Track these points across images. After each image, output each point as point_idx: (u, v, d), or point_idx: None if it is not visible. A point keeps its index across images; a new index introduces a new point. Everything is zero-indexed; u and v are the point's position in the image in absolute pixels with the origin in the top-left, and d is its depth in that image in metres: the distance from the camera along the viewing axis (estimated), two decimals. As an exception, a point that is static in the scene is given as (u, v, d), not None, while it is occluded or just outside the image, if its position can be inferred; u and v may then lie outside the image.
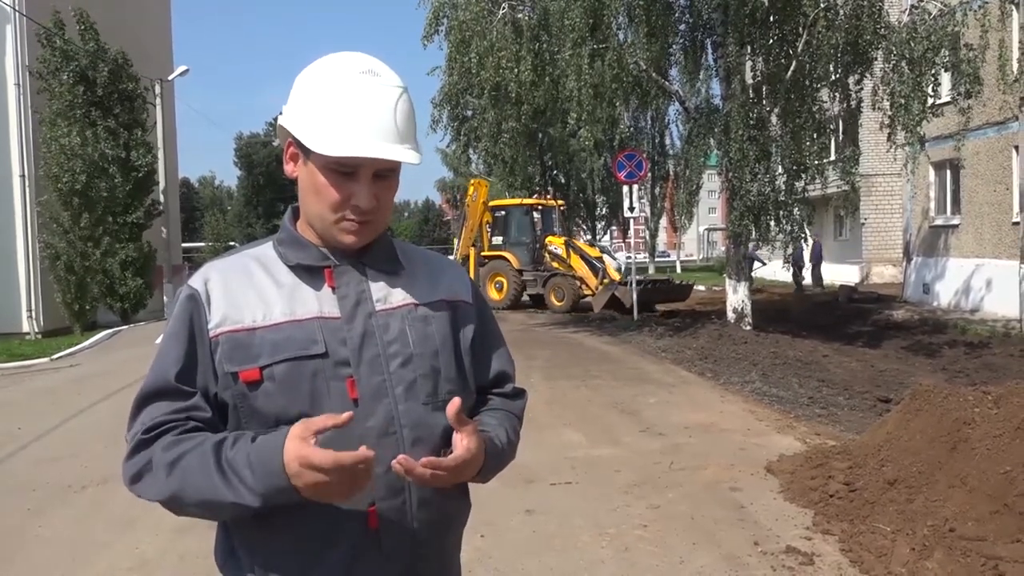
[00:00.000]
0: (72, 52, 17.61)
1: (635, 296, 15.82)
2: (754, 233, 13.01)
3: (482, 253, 20.02)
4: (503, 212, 20.34)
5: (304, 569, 1.24)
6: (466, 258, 20.44)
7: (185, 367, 1.25)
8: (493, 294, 19.42)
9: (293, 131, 1.28)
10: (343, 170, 1.25)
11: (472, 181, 20.82)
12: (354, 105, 1.24)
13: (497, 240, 20.11)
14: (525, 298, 19.61)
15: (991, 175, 16.26)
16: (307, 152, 1.27)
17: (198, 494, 1.18)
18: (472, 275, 19.89)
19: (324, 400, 1.24)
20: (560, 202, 21.85)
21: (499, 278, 19.44)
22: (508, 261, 19.38)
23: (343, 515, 1.24)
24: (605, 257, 20.00)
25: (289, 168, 1.33)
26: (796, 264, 23.68)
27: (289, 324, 1.26)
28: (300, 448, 1.11)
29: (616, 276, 18.55)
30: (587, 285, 17.93)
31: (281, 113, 1.33)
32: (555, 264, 18.98)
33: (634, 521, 4.57)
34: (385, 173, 1.28)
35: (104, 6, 19.25)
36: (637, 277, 18.09)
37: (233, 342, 1.25)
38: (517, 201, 20.93)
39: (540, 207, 20.44)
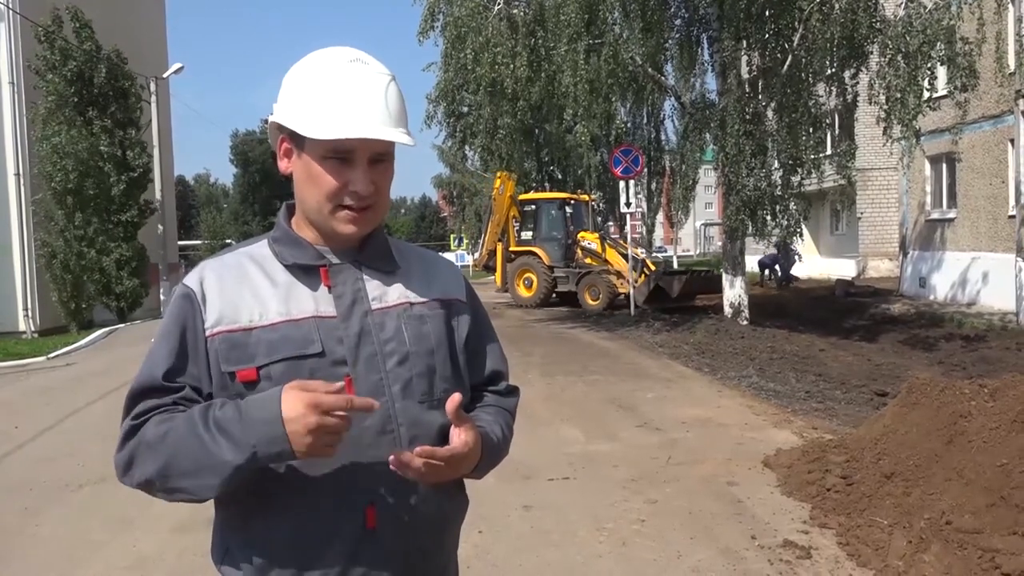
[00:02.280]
0: (69, 51, 17.56)
1: (632, 291, 15.82)
2: (750, 228, 13.02)
3: (510, 248, 19.29)
4: (533, 206, 19.53)
5: (301, 567, 1.24)
6: (492, 253, 19.99)
7: (175, 366, 1.25)
8: (522, 291, 18.74)
9: (286, 123, 1.27)
10: (339, 156, 1.25)
11: (499, 174, 19.80)
12: (345, 91, 1.24)
13: (526, 235, 19.31)
14: (553, 296, 18.89)
15: (987, 169, 16.29)
16: (301, 144, 1.27)
17: (184, 460, 1.15)
18: (499, 270, 19.58)
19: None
20: (592, 197, 21.22)
21: (528, 275, 18.70)
22: (538, 257, 18.61)
23: (341, 513, 1.24)
24: (640, 251, 19.58)
25: (283, 165, 1.33)
26: (769, 263, 23.81)
27: (285, 324, 1.26)
28: (306, 395, 1.12)
29: (654, 268, 17.98)
30: (625, 279, 16.97)
31: (272, 113, 1.33)
32: (588, 260, 18.22)
33: (632, 516, 4.58)
34: (380, 158, 1.28)
35: (99, 4, 19.17)
36: (681, 268, 17.68)
37: (229, 342, 1.25)
38: (548, 195, 20.29)
39: (572, 201, 19.65)
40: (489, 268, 20.54)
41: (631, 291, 15.83)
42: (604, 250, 18.02)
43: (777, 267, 24.08)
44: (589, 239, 18.46)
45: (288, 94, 1.29)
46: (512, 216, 19.56)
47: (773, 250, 22.13)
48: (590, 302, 17.45)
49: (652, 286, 16.48)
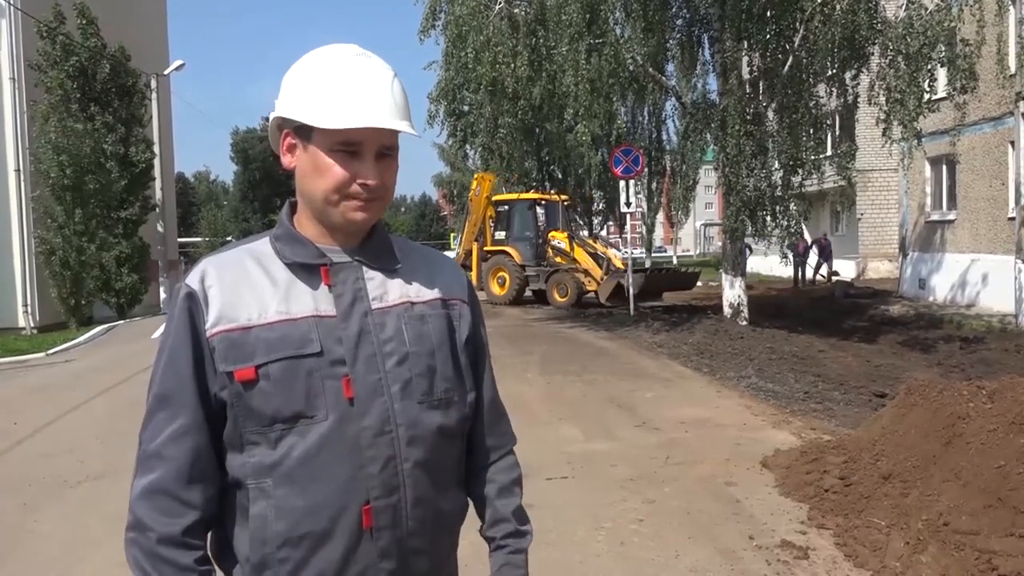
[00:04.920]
0: (72, 47, 17.56)
1: (631, 292, 15.83)
2: (750, 228, 13.02)
3: (485, 248, 19.96)
4: (506, 207, 20.26)
5: (297, 567, 1.24)
6: (469, 252, 20.41)
7: (197, 369, 1.25)
8: (495, 289, 19.32)
9: (295, 116, 1.27)
10: (348, 149, 1.25)
11: (476, 175, 20.69)
12: (354, 83, 1.25)
13: (500, 235, 20.06)
14: (528, 294, 19.52)
15: (987, 170, 16.29)
16: (308, 137, 1.27)
17: None
18: (475, 270, 19.88)
19: (319, 399, 1.24)
20: (564, 197, 21.82)
21: (501, 273, 19.41)
22: (510, 256, 19.31)
23: (337, 514, 1.24)
24: (609, 251, 20.08)
25: (287, 160, 1.32)
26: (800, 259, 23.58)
27: (284, 323, 1.26)
28: None
29: (621, 265, 18.46)
30: (592, 278, 17.88)
31: (272, 110, 1.32)
32: (558, 259, 18.92)
33: (630, 515, 4.58)
34: (386, 152, 1.28)
35: (101, 1, 19.16)
36: (643, 266, 18.31)
37: (228, 341, 1.24)
38: (520, 196, 20.86)
39: (543, 202, 20.35)
40: (465, 267, 20.89)
41: (630, 292, 15.89)
42: (572, 249, 18.61)
43: (812, 263, 23.74)
44: (559, 238, 19.09)
45: (293, 89, 1.29)
46: (489, 216, 20.14)
47: (806, 239, 21.67)
48: (558, 299, 18.26)
49: (615, 284, 17.03)
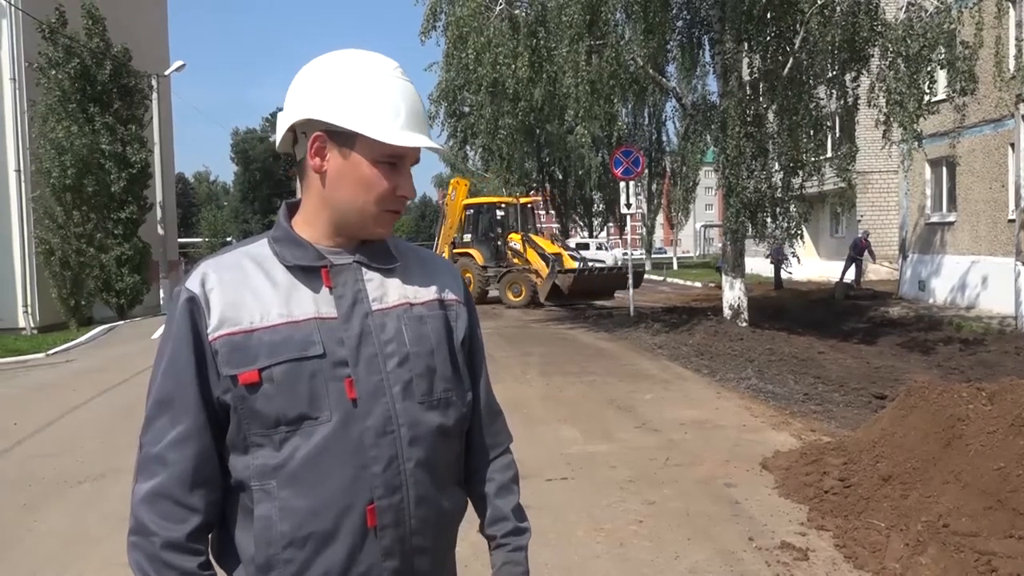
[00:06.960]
0: (75, 48, 17.56)
1: (631, 292, 15.84)
2: (750, 230, 13.02)
3: (455, 251, 20.78)
4: (472, 210, 21.19)
5: (302, 567, 1.25)
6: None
7: (199, 373, 1.25)
8: None
9: (345, 123, 1.25)
10: (392, 161, 1.29)
11: (452, 181, 21.76)
12: (404, 100, 1.30)
13: (467, 237, 21.01)
14: (496, 293, 20.25)
15: (987, 172, 16.30)
16: (350, 144, 1.27)
17: None
18: None
19: (323, 400, 1.24)
20: (527, 200, 22.55)
21: (467, 274, 20.19)
22: (473, 258, 20.21)
23: (341, 513, 1.24)
24: (565, 253, 20.67)
25: (316, 163, 1.29)
26: (778, 261, 23.35)
27: (286, 325, 1.26)
28: None
29: (570, 265, 19.47)
30: (541, 278, 18.72)
31: (280, 109, 1.32)
32: (516, 261, 19.81)
33: (629, 516, 4.59)
34: (412, 164, 1.35)
35: (101, 1, 19.16)
36: (574, 265, 19.11)
37: (231, 345, 1.24)
38: (484, 200, 22.00)
39: (503, 205, 21.24)
40: None
41: (630, 290, 15.96)
42: (525, 250, 19.52)
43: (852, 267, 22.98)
44: (515, 240, 20.03)
45: (334, 93, 1.26)
46: (463, 220, 21.11)
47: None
48: (512, 298, 19.25)
49: (551, 284, 17.90)
